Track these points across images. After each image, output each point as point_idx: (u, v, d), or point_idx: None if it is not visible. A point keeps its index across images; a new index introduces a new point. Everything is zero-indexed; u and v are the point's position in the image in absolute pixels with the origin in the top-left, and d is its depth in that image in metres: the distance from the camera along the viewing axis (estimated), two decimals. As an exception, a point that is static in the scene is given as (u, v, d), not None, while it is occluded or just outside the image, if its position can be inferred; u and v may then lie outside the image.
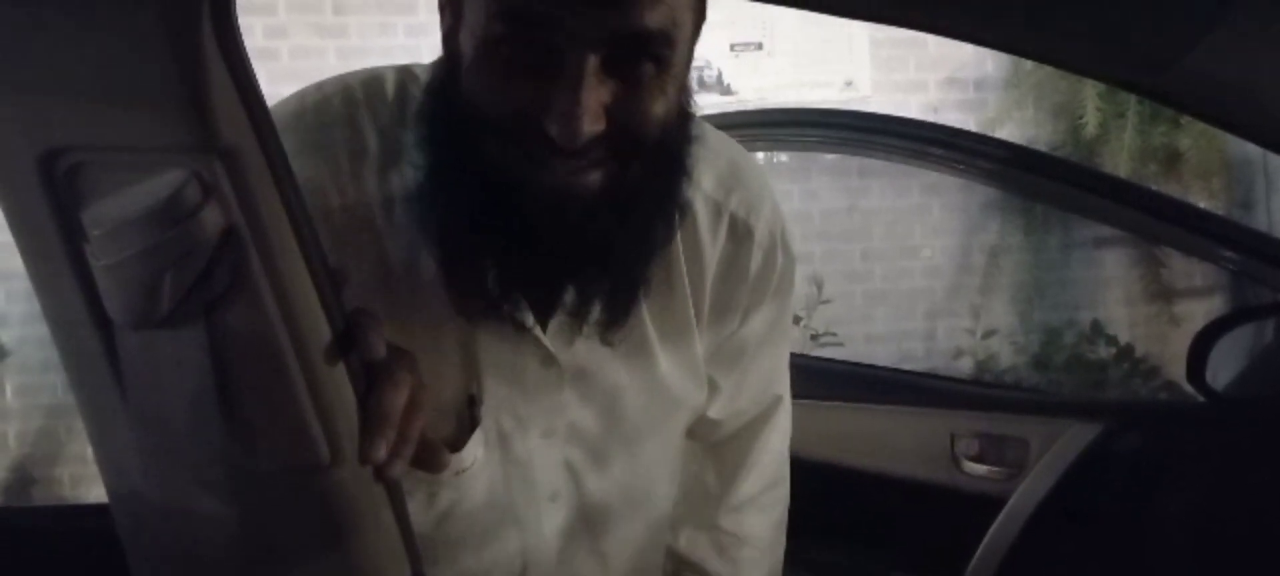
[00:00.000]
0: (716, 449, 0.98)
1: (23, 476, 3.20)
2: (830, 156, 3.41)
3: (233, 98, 0.51)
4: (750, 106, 3.19)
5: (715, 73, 3.43)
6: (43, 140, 0.51)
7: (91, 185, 0.52)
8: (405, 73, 0.81)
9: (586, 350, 0.83)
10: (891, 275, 3.61)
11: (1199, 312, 3.43)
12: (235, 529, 0.60)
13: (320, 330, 0.58)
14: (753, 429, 0.97)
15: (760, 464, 0.98)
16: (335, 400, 0.59)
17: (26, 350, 3.15)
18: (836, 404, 1.46)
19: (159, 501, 0.61)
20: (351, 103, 0.79)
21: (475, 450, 0.82)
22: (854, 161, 3.35)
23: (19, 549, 0.95)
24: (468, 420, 0.82)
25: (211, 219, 0.52)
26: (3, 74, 0.50)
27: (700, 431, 0.97)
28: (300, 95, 0.80)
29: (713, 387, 0.93)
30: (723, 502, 0.98)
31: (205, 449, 0.58)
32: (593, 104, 0.66)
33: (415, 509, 0.82)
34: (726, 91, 3.43)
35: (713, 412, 0.95)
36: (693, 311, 0.87)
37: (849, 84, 3.53)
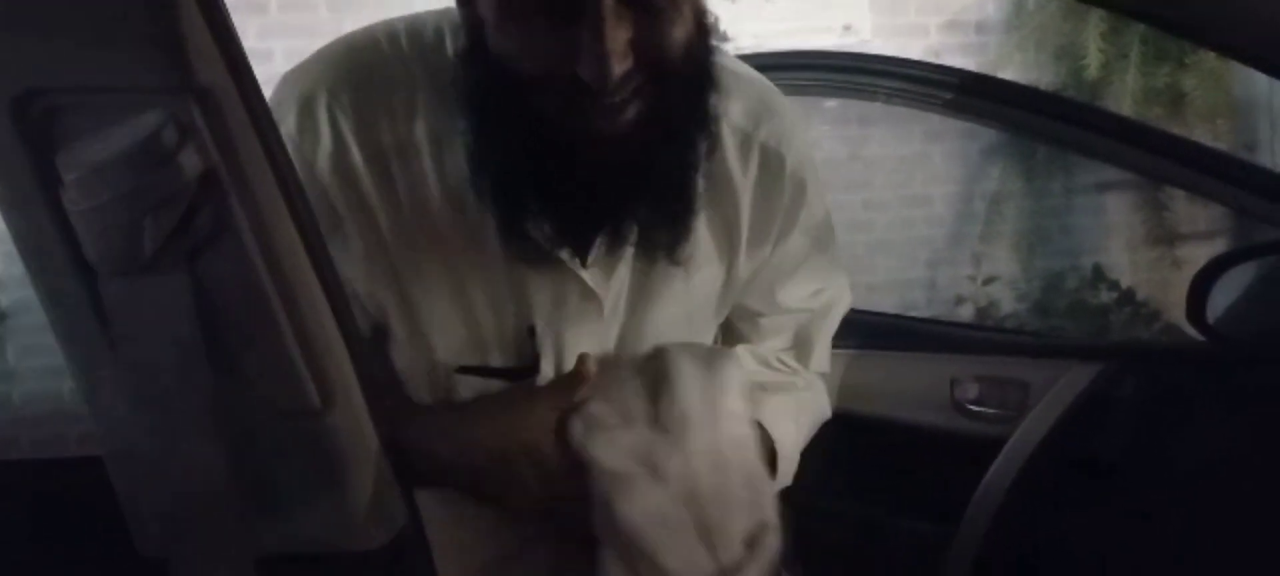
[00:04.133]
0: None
1: (27, 435, 3.23)
2: (831, 104, 3.37)
3: (206, 36, 0.50)
4: (747, 52, 3.15)
5: (712, 19, 3.38)
6: (16, 82, 0.50)
7: (67, 128, 0.51)
8: (444, 19, 0.83)
9: (625, 281, 0.86)
10: (893, 223, 3.59)
11: (1201, 256, 3.39)
12: (228, 476, 0.60)
13: (305, 273, 0.57)
14: (816, 324, 1.01)
15: (826, 337, 1.03)
16: (324, 345, 0.59)
17: (27, 312, 3.15)
18: (835, 350, 1.45)
19: (151, 450, 0.61)
20: (397, 45, 0.82)
21: (548, 372, 0.86)
22: (854, 109, 3.32)
23: (19, 501, 0.95)
24: (529, 349, 0.85)
25: (190, 162, 0.51)
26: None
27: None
28: (348, 36, 0.83)
29: (752, 316, 0.97)
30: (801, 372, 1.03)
31: (195, 396, 0.58)
32: (618, 41, 0.68)
33: None
34: (723, 38, 3.39)
35: (765, 340, 0.99)
36: (728, 241, 0.90)
37: (848, 28, 3.48)
